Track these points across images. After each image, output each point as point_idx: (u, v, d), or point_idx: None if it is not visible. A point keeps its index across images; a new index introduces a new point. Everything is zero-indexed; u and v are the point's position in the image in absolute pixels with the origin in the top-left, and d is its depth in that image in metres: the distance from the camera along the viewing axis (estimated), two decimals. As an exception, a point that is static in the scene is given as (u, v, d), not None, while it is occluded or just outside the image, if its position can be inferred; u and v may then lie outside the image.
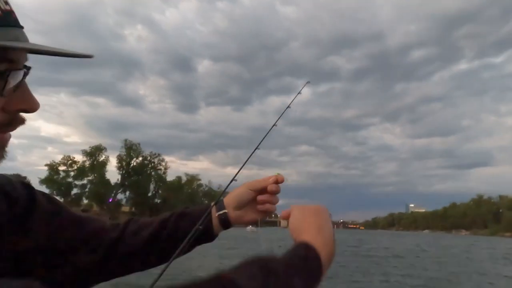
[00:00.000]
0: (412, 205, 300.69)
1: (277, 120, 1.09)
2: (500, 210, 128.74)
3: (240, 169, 0.89)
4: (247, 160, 0.93)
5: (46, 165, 65.96)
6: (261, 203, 0.75)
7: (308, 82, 1.31)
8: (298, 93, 1.22)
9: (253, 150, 0.96)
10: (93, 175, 71.52)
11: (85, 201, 71.26)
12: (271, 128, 1.04)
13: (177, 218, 0.72)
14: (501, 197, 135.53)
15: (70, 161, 68.62)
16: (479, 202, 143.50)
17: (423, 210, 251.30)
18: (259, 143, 0.97)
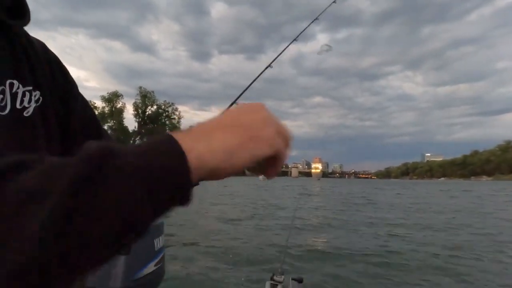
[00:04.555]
0: (428, 154, 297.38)
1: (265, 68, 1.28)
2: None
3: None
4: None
5: None
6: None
7: (295, 40, 1.50)
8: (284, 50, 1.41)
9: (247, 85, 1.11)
10: (112, 121, 71.76)
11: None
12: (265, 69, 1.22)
13: None
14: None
15: (92, 106, 68.56)
16: (506, 147, 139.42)
17: (441, 159, 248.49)
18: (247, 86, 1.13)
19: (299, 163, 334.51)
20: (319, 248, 6.16)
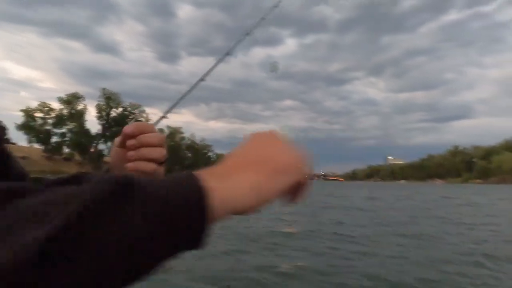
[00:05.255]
0: (390, 158, 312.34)
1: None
2: (474, 160, 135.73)
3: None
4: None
5: (22, 110, 63.01)
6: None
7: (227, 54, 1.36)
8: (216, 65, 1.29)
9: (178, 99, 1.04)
10: (72, 124, 69.46)
11: (66, 150, 69.50)
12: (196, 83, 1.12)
13: None
14: (475, 147, 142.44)
15: (47, 108, 66.06)
16: (455, 152, 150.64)
17: (401, 162, 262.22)
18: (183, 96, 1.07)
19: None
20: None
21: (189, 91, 1.09)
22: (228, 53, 1.38)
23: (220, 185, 0.31)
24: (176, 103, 1.01)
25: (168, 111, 1.00)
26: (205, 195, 0.29)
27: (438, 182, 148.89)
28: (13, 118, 70.09)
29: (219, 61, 1.33)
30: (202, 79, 1.15)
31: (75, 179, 0.30)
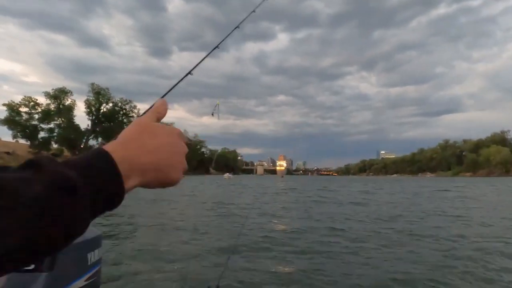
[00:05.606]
0: (383, 152, 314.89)
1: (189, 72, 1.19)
2: (463, 153, 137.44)
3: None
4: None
5: (4, 104, 60.85)
6: None
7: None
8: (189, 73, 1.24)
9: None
10: (60, 119, 68.14)
11: (55, 146, 68.26)
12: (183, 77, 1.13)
13: None
14: (464, 141, 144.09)
15: (32, 103, 63.79)
16: (445, 146, 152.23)
17: (393, 156, 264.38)
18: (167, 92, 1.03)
19: (265, 161, 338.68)
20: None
21: (176, 84, 1.09)
22: (218, 47, 1.42)
23: (118, 148, 0.37)
24: (163, 96, 1.01)
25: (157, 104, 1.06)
26: (108, 153, 0.36)
27: (429, 175, 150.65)
28: (-6, 112, 67.63)
29: (208, 54, 1.36)
30: (190, 73, 1.16)
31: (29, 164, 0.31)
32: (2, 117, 59.78)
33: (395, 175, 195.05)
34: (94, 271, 1.16)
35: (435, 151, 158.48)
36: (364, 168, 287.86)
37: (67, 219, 0.30)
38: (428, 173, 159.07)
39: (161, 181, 0.41)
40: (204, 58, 1.32)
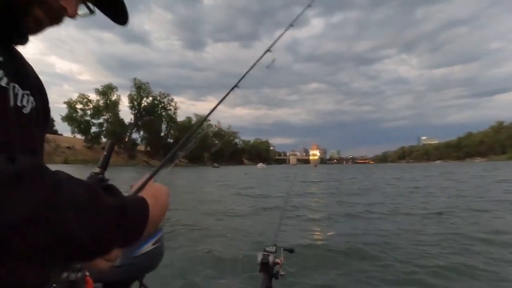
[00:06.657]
0: (424, 138, 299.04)
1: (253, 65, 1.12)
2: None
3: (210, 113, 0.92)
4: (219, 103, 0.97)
5: (65, 102, 66.93)
6: None
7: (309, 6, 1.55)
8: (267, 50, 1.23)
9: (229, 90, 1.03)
10: (108, 114, 71.80)
11: (104, 140, 72.20)
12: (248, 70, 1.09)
13: None
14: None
15: (85, 100, 69.43)
16: (499, 128, 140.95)
17: (436, 142, 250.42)
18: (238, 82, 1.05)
19: (297, 151, 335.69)
20: (311, 227, 6.45)
21: (256, 61, 1.11)
22: (292, 24, 1.45)
23: (153, 203, 0.50)
24: (244, 75, 1.05)
25: (235, 85, 1.03)
26: (148, 207, 0.48)
27: (479, 160, 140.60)
28: (58, 110, 74.42)
29: (284, 32, 1.39)
30: (268, 50, 1.19)
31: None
32: (63, 114, 65.40)
33: (438, 161, 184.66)
34: (157, 236, 1.22)
35: (486, 134, 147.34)
36: (404, 155, 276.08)
37: (119, 235, 0.41)
38: (478, 158, 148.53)
39: (151, 233, 0.51)
40: (282, 34, 1.36)
